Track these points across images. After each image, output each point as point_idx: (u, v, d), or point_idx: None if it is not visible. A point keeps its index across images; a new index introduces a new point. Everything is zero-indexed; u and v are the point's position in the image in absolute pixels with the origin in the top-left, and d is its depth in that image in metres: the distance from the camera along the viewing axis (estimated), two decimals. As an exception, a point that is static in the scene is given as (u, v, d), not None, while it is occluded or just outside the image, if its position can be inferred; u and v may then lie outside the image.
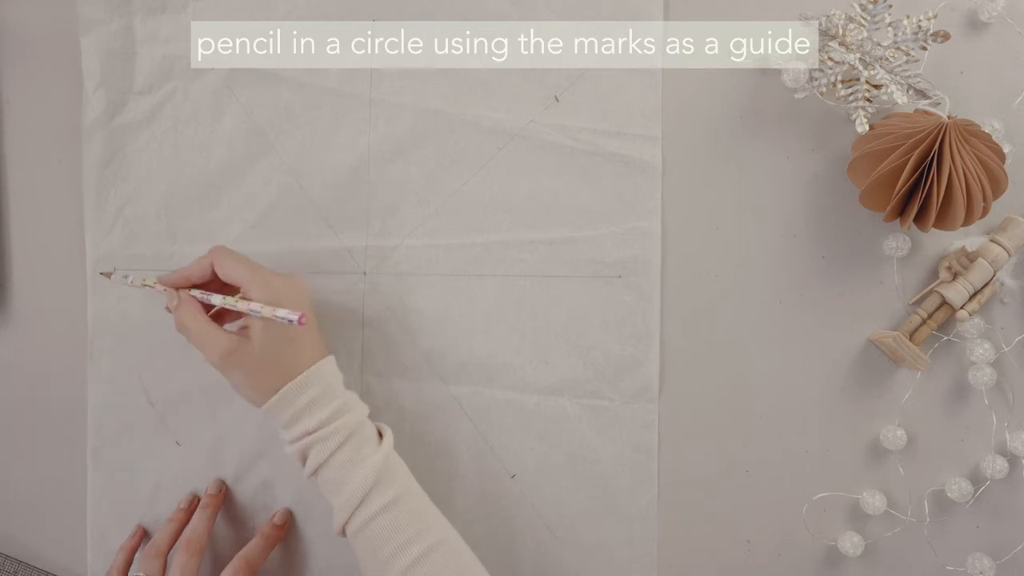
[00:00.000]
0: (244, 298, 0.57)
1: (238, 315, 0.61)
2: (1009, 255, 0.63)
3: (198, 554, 0.62)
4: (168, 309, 0.59)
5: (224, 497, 0.66)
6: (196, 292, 0.59)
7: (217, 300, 0.58)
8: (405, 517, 0.56)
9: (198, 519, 0.64)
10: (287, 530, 0.66)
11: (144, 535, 0.67)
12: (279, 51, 0.67)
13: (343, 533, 0.57)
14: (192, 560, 0.61)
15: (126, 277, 0.62)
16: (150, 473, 0.67)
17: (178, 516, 0.65)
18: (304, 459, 0.57)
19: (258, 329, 0.56)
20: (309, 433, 0.57)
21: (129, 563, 0.64)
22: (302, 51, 0.67)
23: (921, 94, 0.61)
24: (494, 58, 0.66)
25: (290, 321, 0.54)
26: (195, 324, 0.57)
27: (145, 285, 0.60)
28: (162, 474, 0.67)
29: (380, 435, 0.60)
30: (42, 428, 0.68)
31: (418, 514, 0.57)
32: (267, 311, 0.55)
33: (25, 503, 0.69)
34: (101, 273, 0.63)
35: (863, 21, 0.60)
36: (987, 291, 0.63)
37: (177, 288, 0.59)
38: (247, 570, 0.62)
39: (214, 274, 0.59)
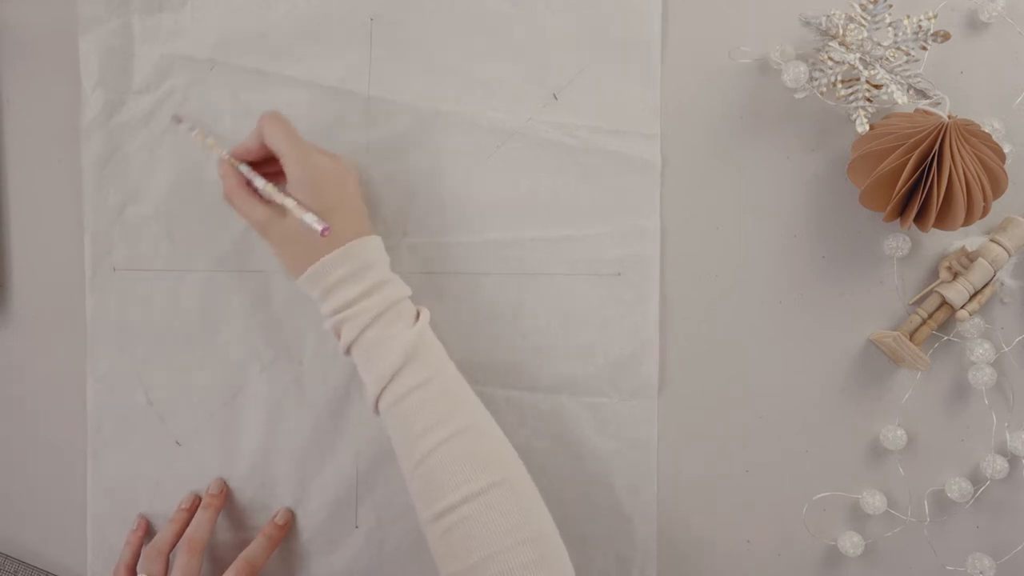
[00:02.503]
0: (283, 190, 0.57)
1: None
2: (1009, 255, 0.63)
3: (199, 554, 0.62)
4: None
5: (225, 497, 0.66)
6: (244, 168, 0.60)
7: (259, 184, 0.59)
8: (436, 398, 0.56)
9: (200, 519, 0.64)
10: (288, 529, 0.66)
11: (148, 527, 0.67)
12: (278, 50, 0.66)
13: (376, 410, 0.58)
14: (193, 560, 0.61)
15: (192, 129, 0.62)
16: (150, 473, 0.67)
17: (180, 516, 0.65)
18: (339, 334, 0.58)
19: (294, 200, 0.57)
20: (343, 308, 0.57)
21: (136, 557, 0.64)
22: (301, 49, 0.66)
23: (921, 94, 0.61)
24: (493, 56, 0.66)
25: (313, 229, 0.55)
26: (238, 195, 0.59)
27: (206, 144, 0.61)
28: (162, 474, 0.67)
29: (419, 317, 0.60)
30: (42, 428, 0.68)
31: (450, 396, 0.57)
32: (297, 211, 0.56)
33: (25, 503, 0.69)
34: (173, 117, 0.65)
35: (863, 21, 0.60)
36: (987, 291, 0.63)
37: (233, 158, 0.60)
38: (249, 570, 0.62)
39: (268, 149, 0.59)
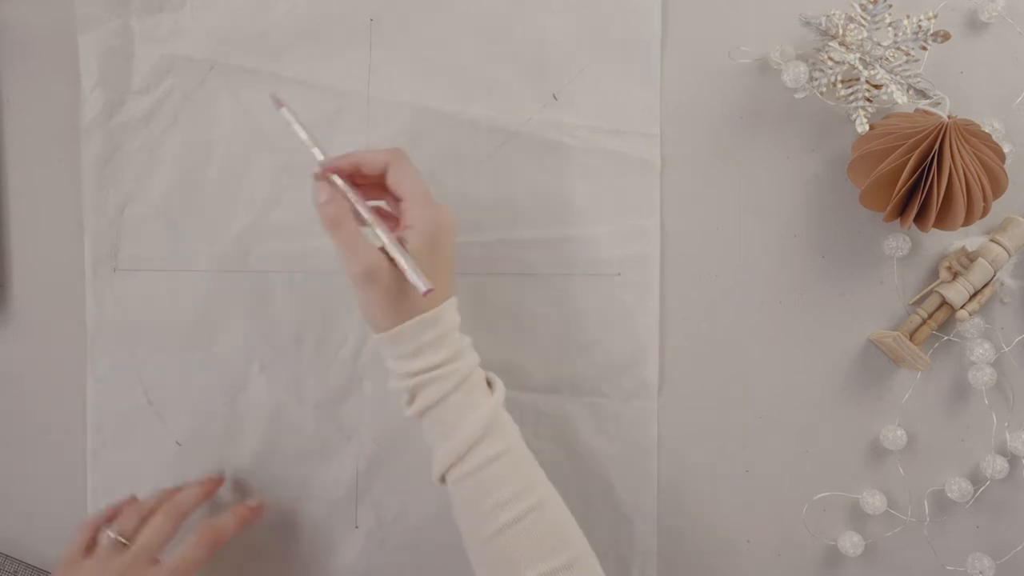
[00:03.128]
0: (399, 237, 0.54)
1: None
2: (1009, 255, 0.63)
3: (175, 520, 0.60)
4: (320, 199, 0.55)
5: (220, 484, 0.66)
6: (356, 199, 0.55)
7: (371, 222, 0.54)
8: (511, 471, 0.55)
9: (189, 491, 0.63)
10: (261, 515, 0.65)
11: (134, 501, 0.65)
12: (278, 49, 0.66)
13: (443, 481, 0.56)
14: (168, 523, 0.60)
15: (293, 123, 0.57)
16: (150, 473, 0.67)
17: (171, 491, 0.64)
18: (413, 397, 0.56)
19: (406, 248, 0.54)
20: (427, 371, 0.55)
21: (110, 519, 0.62)
22: (301, 49, 0.66)
23: (921, 94, 0.61)
24: (493, 56, 0.66)
25: (416, 287, 0.52)
26: (347, 227, 0.54)
27: (309, 142, 0.56)
28: (162, 474, 0.67)
29: (489, 385, 0.58)
30: (42, 428, 0.68)
31: (524, 470, 0.56)
32: (408, 264, 0.53)
33: (25, 503, 0.69)
34: (272, 97, 0.58)
35: (863, 21, 0.60)
36: (987, 291, 0.63)
37: (337, 172, 0.55)
38: (210, 537, 0.60)
39: (381, 175, 0.56)
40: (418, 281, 0.52)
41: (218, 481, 0.66)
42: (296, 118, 0.57)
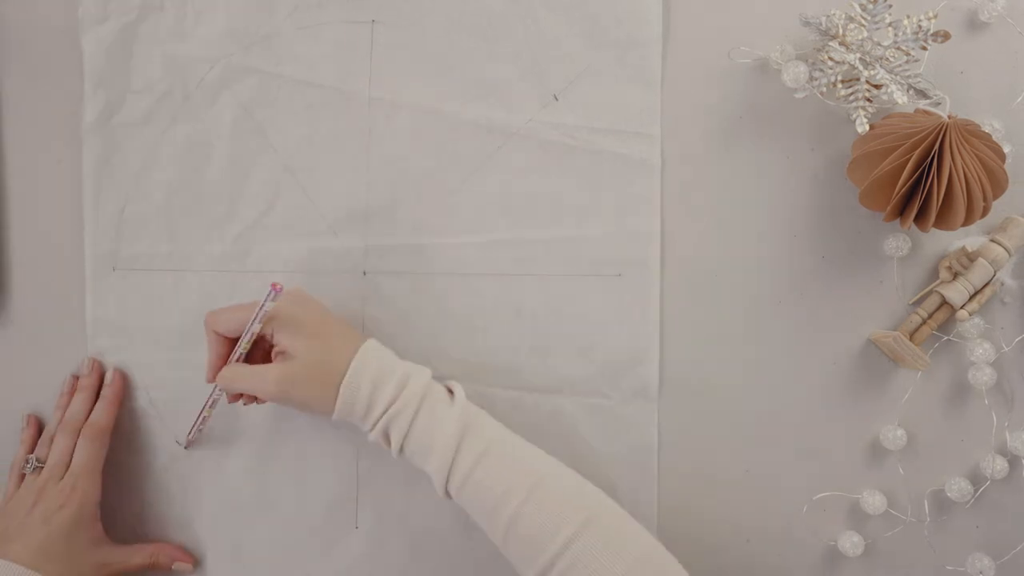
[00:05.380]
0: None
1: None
2: (1009, 255, 0.63)
3: (101, 439, 0.64)
4: (228, 398, 0.63)
5: (122, 386, 0.67)
6: (233, 356, 0.61)
7: (240, 347, 0.59)
8: (499, 464, 0.56)
9: (100, 408, 0.65)
10: (125, 386, 0.67)
11: (38, 423, 0.67)
12: (279, 50, 0.67)
13: (448, 495, 0.58)
14: (95, 445, 0.63)
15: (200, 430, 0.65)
16: (150, 473, 0.67)
17: (62, 402, 0.66)
18: (388, 440, 0.58)
19: (289, 346, 0.58)
20: (384, 413, 0.57)
21: (30, 452, 0.65)
22: (302, 50, 0.66)
23: (921, 94, 0.61)
24: (493, 57, 0.66)
25: (269, 293, 0.56)
26: (237, 374, 0.59)
27: (205, 416, 0.64)
28: (162, 474, 0.67)
29: (450, 392, 0.60)
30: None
31: (513, 456, 0.57)
32: (258, 309, 0.57)
33: (25, 503, 0.69)
34: (181, 443, 0.66)
35: (863, 21, 0.60)
36: (987, 291, 0.63)
37: (215, 373, 0.60)
38: (95, 431, 0.64)
39: (229, 341, 0.60)
40: (267, 295, 0.57)
41: (114, 384, 0.66)
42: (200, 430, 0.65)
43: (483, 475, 0.56)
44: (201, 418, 0.64)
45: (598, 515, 0.55)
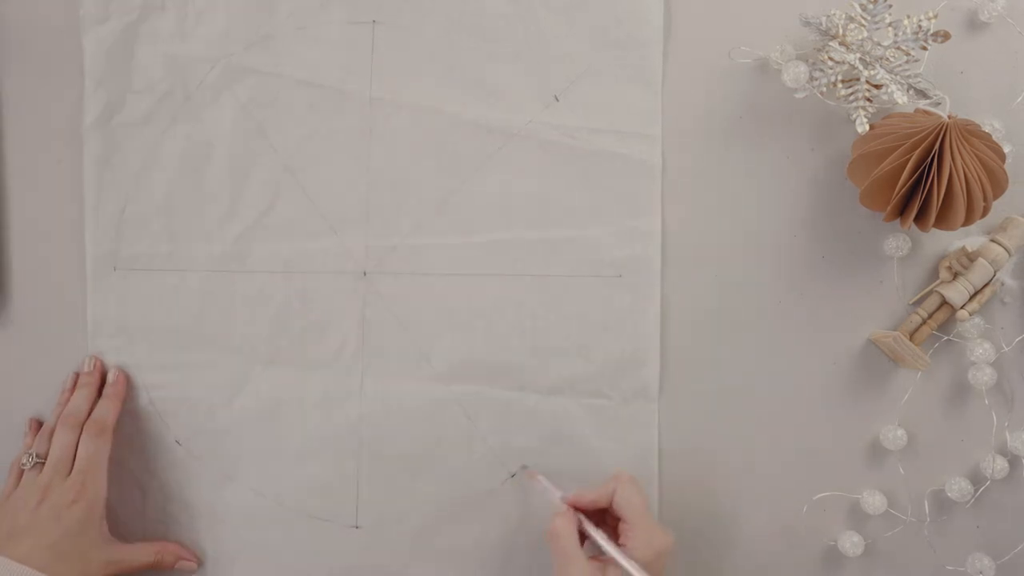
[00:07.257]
0: (625, 551, 0.56)
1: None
2: (1009, 255, 0.63)
3: (105, 436, 0.63)
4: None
5: (125, 384, 0.66)
6: (590, 525, 0.59)
7: (599, 538, 0.58)
8: None
9: (102, 405, 0.64)
10: (127, 384, 0.66)
11: (38, 427, 0.66)
12: (279, 50, 0.67)
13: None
14: (100, 442, 0.62)
15: (533, 476, 0.64)
16: (150, 473, 0.67)
17: (64, 399, 0.65)
18: None
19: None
20: None
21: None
22: (302, 50, 0.67)
23: (921, 94, 0.61)
24: (494, 58, 0.66)
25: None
26: (567, 539, 0.57)
27: (553, 492, 0.62)
28: (162, 474, 0.67)
29: None
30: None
31: None
32: (637, 571, 0.55)
33: (25, 503, 0.69)
34: (524, 470, 0.65)
35: (863, 21, 0.60)
36: (987, 291, 0.63)
37: (573, 505, 0.59)
38: (97, 428, 0.63)
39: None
40: None
41: (96, 374, 0.66)
42: (547, 482, 0.63)
43: None
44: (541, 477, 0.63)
45: None
